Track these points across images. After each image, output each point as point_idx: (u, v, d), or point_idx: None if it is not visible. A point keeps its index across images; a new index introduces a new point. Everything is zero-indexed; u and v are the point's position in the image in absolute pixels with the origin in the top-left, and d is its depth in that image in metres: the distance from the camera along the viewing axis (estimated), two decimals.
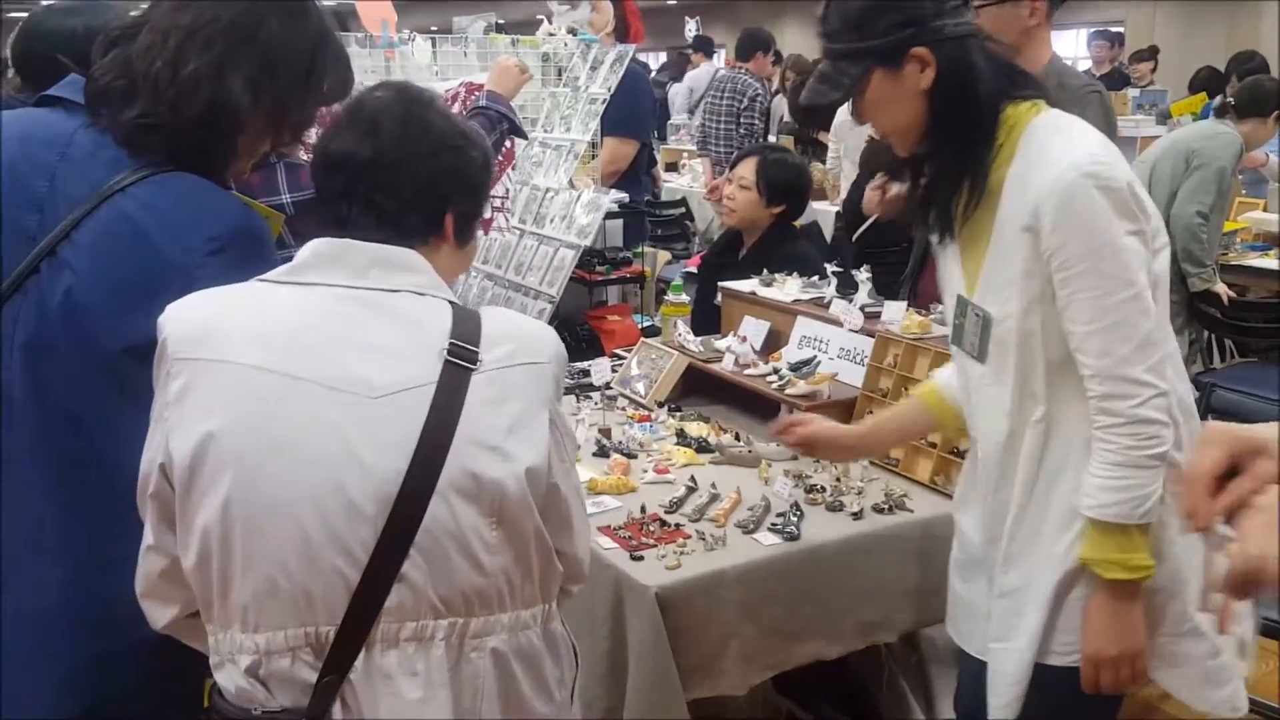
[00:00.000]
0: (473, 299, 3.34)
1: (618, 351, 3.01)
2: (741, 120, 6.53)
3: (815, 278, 2.78)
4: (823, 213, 5.64)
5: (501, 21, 3.83)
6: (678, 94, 9.29)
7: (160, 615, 1.30)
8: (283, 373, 1.18)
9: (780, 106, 7.71)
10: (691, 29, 10.58)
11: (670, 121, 8.70)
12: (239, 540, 1.16)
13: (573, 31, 3.51)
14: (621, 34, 3.74)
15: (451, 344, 1.20)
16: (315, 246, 1.26)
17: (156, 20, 1.40)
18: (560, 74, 3.43)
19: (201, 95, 1.37)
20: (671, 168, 7.34)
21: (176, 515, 1.20)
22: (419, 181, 1.28)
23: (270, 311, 1.23)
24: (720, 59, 16.14)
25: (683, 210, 6.32)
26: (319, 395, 1.17)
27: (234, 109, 1.39)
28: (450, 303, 1.25)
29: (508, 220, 3.28)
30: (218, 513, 1.16)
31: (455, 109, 2.89)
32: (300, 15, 1.46)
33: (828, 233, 5.47)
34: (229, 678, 1.20)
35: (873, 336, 2.41)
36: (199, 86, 1.36)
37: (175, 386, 1.18)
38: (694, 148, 7.35)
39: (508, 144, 2.70)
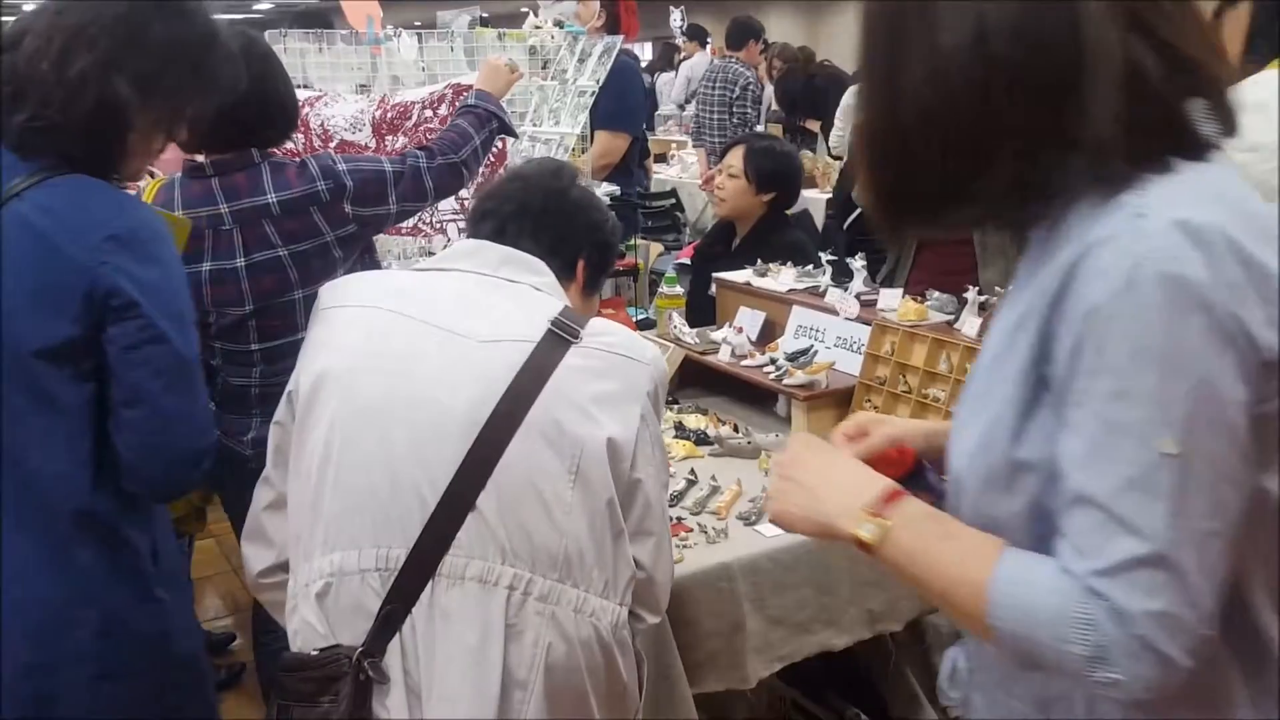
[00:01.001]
0: None
1: None
2: (734, 110, 6.50)
3: (810, 266, 2.77)
4: (813, 201, 5.63)
5: (486, 16, 3.79)
6: (670, 83, 9.24)
7: (257, 560, 1.42)
8: (398, 312, 1.33)
9: (770, 95, 7.70)
10: (677, 19, 10.53)
11: (659, 112, 8.67)
12: (336, 453, 1.26)
13: (559, 24, 3.48)
14: (612, 27, 3.72)
15: (557, 319, 1.32)
16: (458, 245, 1.49)
17: (39, 26, 1.42)
18: (546, 66, 3.40)
19: (89, 94, 1.39)
20: (661, 159, 7.32)
21: (293, 445, 1.32)
22: (557, 229, 1.47)
23: (403, 279, 1.45)
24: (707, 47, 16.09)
25: (673, 201, 6.29)
26: (427, 332, 1.31)
27: (122, 107, 1.41)
28: (565, 303, 1.40)
29: None
30: (324, 430, 1.27)
31: (443, 110, 2.87)
32: (183, 15, 1.50)
33: (818, 221, 5.46)
34: (297, 620, 1.27)
35: (869, 324, 2.40)
36: (86, 86, 1.39)
37: (313, 334, 1.37)
38: (684, 138, 7.32)
39: (499, 144, 2.68)
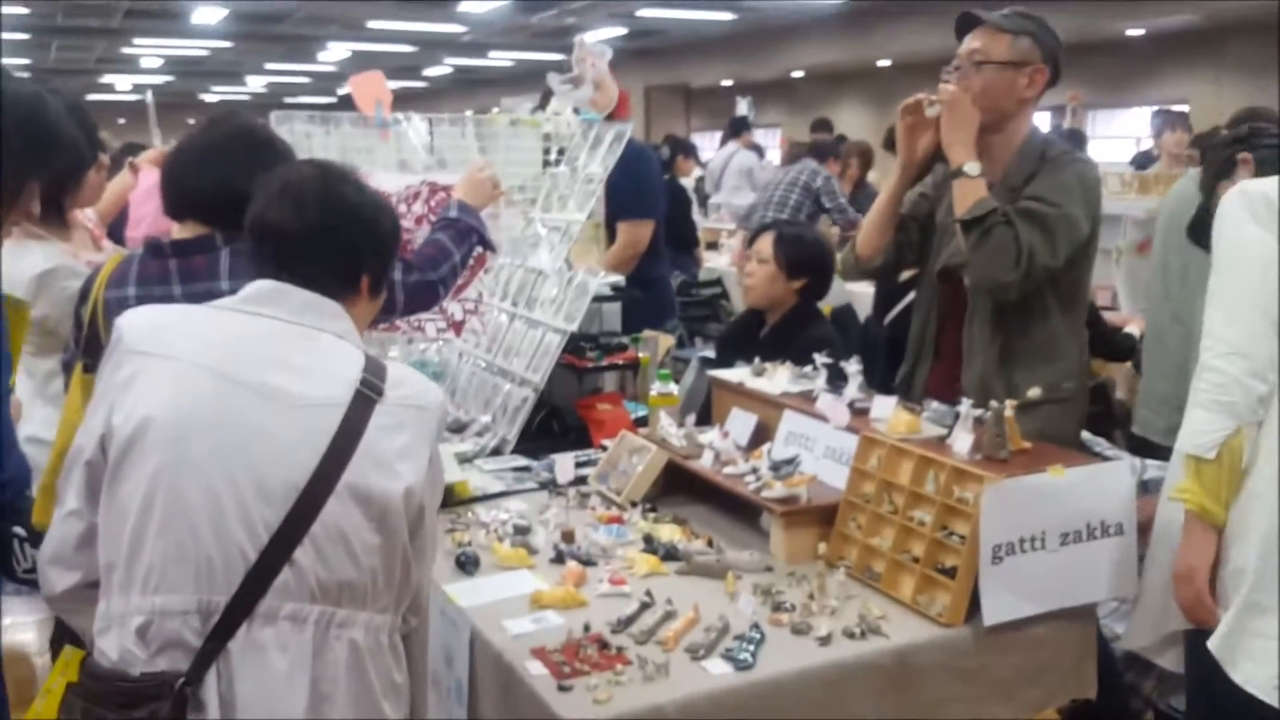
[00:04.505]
0: (463, 382, 3.21)
1: (605, 443, 2.83)
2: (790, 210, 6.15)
3: (808, 368, 2.58)
4: (860, 295, 5.43)
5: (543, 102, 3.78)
6: (719, 172, 9.14)
7: (60, 581, 1.51)
8: (220, 372, 1.42)
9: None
10: (743, 108, 10.53)
11: (712, 200, 8.59)
12: (159, 505, 1.37)
13: (576, 111, 3.41)
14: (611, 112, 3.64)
15: (364, 378, 1.46)
16: (259, 286, 1.53)
17: None
18: (561, 154, 3.32)
19: None
20: (712, 246, 7.21)
21: (105, 482, 1.41)
22: (338, 249, 1.56)
23: (217, 326, 1.50)
24: (776, 137, 16.09)
25: (718, 290, 6.16)
26: (248, 396, 1.42)
27: None
28: (363, 351, 1.53)
29: (484, 325, 3.18)
30: (146, 480, 1.38)
31: (417, 207, 2.81)
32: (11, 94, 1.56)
33: (862, 314, 5.25)
34: (113, 641, 1.39)
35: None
36: None
37: (124, 374, 1.44)
38: (733, 226, 7.21)
39: (478, 252, 2.60)
